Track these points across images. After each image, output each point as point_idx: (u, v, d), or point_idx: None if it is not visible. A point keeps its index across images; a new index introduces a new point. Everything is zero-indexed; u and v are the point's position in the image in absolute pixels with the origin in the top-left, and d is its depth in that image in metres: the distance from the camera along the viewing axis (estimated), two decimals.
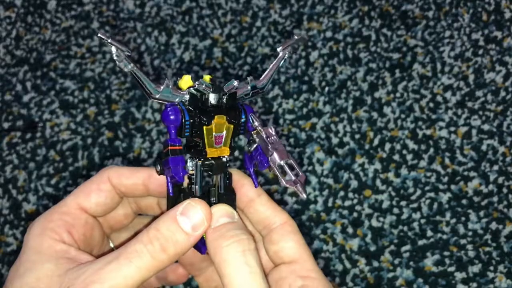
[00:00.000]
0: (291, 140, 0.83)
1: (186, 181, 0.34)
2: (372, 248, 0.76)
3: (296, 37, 0.36)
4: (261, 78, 0.35)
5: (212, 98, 0.32)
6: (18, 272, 0.31)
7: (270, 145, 0.33)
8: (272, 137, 0.33)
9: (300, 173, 0.33)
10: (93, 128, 0.85)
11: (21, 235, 0.80)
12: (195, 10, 0.93)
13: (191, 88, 0.33)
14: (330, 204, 0.79)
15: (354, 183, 0.80)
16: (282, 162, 0.33)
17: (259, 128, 0.34)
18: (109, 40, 0.30)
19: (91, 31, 0.92)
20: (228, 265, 0.30)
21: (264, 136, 0.33)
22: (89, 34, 0.92)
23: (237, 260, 0.30)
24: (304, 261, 0.34)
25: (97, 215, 0.36)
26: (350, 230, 0.77)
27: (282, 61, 0.36)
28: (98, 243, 0.37)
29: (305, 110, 0.85)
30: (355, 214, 0.78)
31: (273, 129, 0.34)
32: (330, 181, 0.80)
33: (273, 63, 0.36)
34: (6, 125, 0.87)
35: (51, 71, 0.90)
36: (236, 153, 0.81)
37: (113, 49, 0.31)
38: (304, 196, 0.32)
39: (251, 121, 0.34)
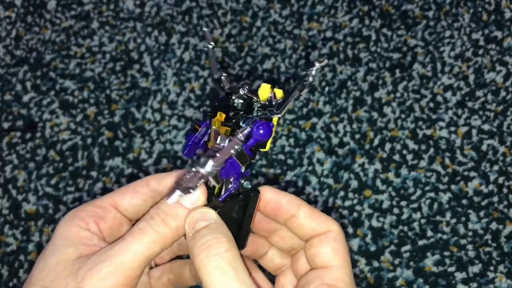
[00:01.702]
0: (291, 140, 0.83)
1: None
2: (372, 248, 0.76)
3: (322, 63, 0.32)
4: (280, 102, 0.33)
5: (236, 102, 0.34)
6: (44, 255, 0.33)
7: (210, 148, 0.33)
8: (220, 145, 0.32)
9: (194, 186, 0.32)
10: (93, 128, 0.85)
11: (21, 235, 0.80)
12: (195, 10, 0.93)
13: (240, 91, 0.34)
14: (330, 204, 0.79)
15: (354, 183, 0.80)
16: (194, 169, 0.32)
17: (230, 131, 0.33)
18: (206, 30, 0.35)
19: (91, 31, 0.92)
20: (202, 272, 0.31)
21: (219, 137, 0.33)
22: (89, 34, 0.92)
23: (208, 265, 0.31)
24: (336, 269, 0.34)
25: (129, 215, 0.37)
26: (350, 230, 0.77)
27: (304, 87, 0.33)
28: None
29: (305, 110, 0.85)
30: (355, 214, 0.78)
31: (227, 142, 0.32)
32: (330, 181, 0.80)
33: (293, 92, 0.33)
34: (6, 125, 0.87)
35: (51, 71, 0.90)
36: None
37: (207, 36, 0.36)
38: (168, 200, 0.32)
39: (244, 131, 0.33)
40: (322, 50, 0.89)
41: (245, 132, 0.32)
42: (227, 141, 0.32)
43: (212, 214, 0.33)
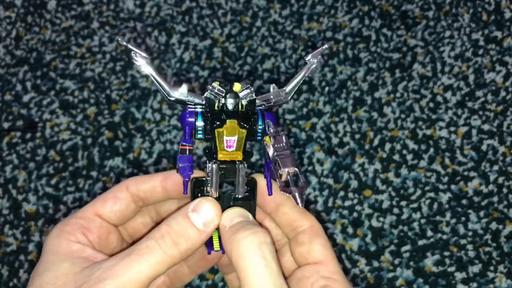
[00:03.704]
0: (291, 140, 0.83)
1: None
2: (372, 248, 0.76)
3: (325, 45, 0.34)
4: (286, 88, 0.35)
5: (229, 103, 0.34)
6: (37, 271, 0.33)
7: (276, 153, 0.33)
8: (280, 144, 0.33)
9: (302, 182, 0.33)
10: (93, 128, 0.85)
11: (21, 235, 0.80)
12: (195, 10, 0.93)
13: (207, 93, 0.34)
14: (330, 204, 0.79)
15: (354, 183, 0.80)
16: (280, 171, 0.32)
17: (270, 135, 0.34)
18: (129, 45, 0.33)
19: (91, 31, 0.92)
20: (244, 259, 0.30)
21: (272, 142, 0.33)
22: (89, 34, 0.92)
23: (253, 253, 0.30)
24: (328, 263, 0.35)
25: (113, 222, 0.37)
26: (350, 230, 0.77)
27: (310, 69, 0.35)
28: (116, 248, 0.37)
29: (305, 110, 0.85)
30: (355, 214, 0.78)
31: (284, 137, 0.34)
32: (330, 181, 0.80)
33: (300, 72, 0.35)
34: (6, 125, 0.87)
35: (51, 71, 0.90)
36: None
37: (132, 53, 0.33)
38: (300, 205, 0.32)
39: (267, 127, 0.34)
40: None
41: (272, 127, 0.34)
42: (283, 138, 0.33)
43: (248, 213, 0.33)
